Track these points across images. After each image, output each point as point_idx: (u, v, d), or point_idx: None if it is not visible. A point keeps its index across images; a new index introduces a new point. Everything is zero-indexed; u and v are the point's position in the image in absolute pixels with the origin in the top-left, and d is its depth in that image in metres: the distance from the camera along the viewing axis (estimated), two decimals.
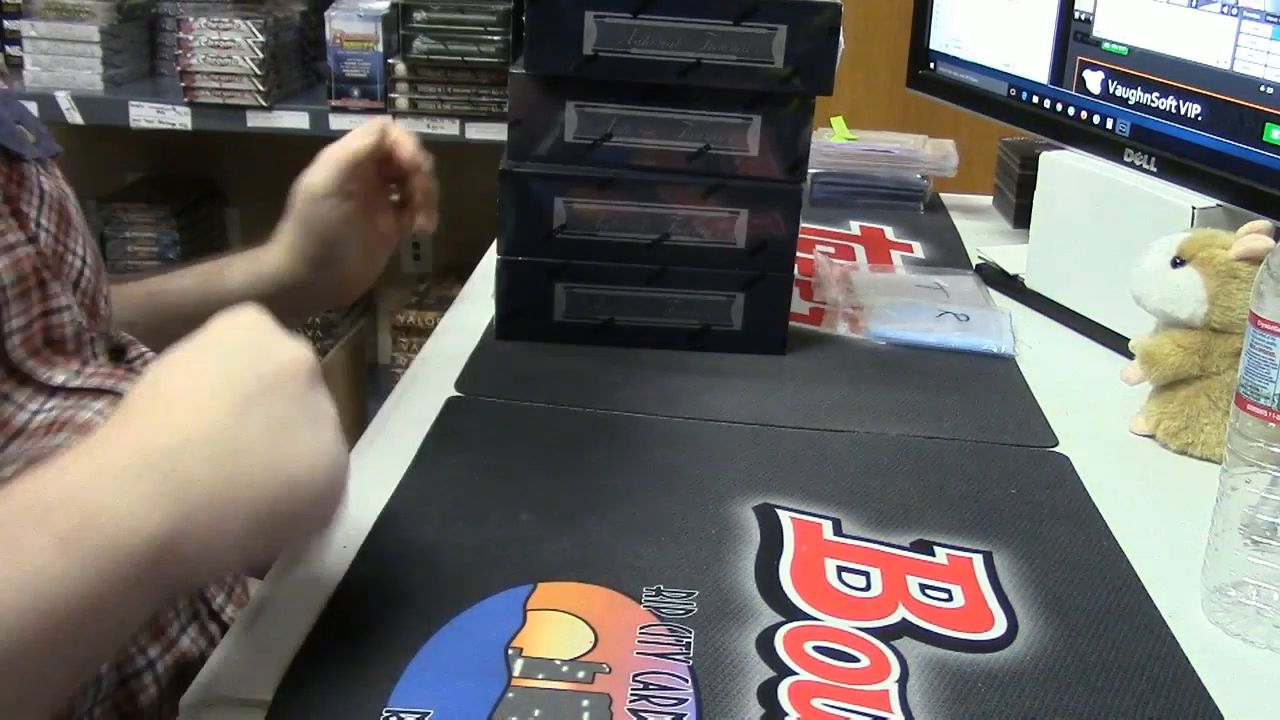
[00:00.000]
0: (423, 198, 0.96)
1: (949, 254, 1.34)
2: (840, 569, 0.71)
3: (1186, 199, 1.02)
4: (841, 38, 0.95)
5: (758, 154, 0.98)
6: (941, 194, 1.55)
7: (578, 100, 0.97)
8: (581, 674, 0.60)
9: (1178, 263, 0.89)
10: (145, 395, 0.56)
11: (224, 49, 2.17)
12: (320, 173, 0.93)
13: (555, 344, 1.01)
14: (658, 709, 0.58)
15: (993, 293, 1.21)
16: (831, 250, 1.31)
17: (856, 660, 0.63)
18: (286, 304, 0.89)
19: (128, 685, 0.70)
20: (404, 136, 0.94)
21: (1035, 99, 1.23)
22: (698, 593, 0.67)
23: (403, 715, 0.56)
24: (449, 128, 2.18)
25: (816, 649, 0.64)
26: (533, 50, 0.95)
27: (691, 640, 0.63)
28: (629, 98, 0.97)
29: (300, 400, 0.57)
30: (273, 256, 0.95)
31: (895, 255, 1.32)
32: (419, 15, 2.12)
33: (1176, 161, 1.05)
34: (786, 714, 0.58)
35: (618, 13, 0.94)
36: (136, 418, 0.54)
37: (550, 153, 0.98)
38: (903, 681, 0.61)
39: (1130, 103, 1.10)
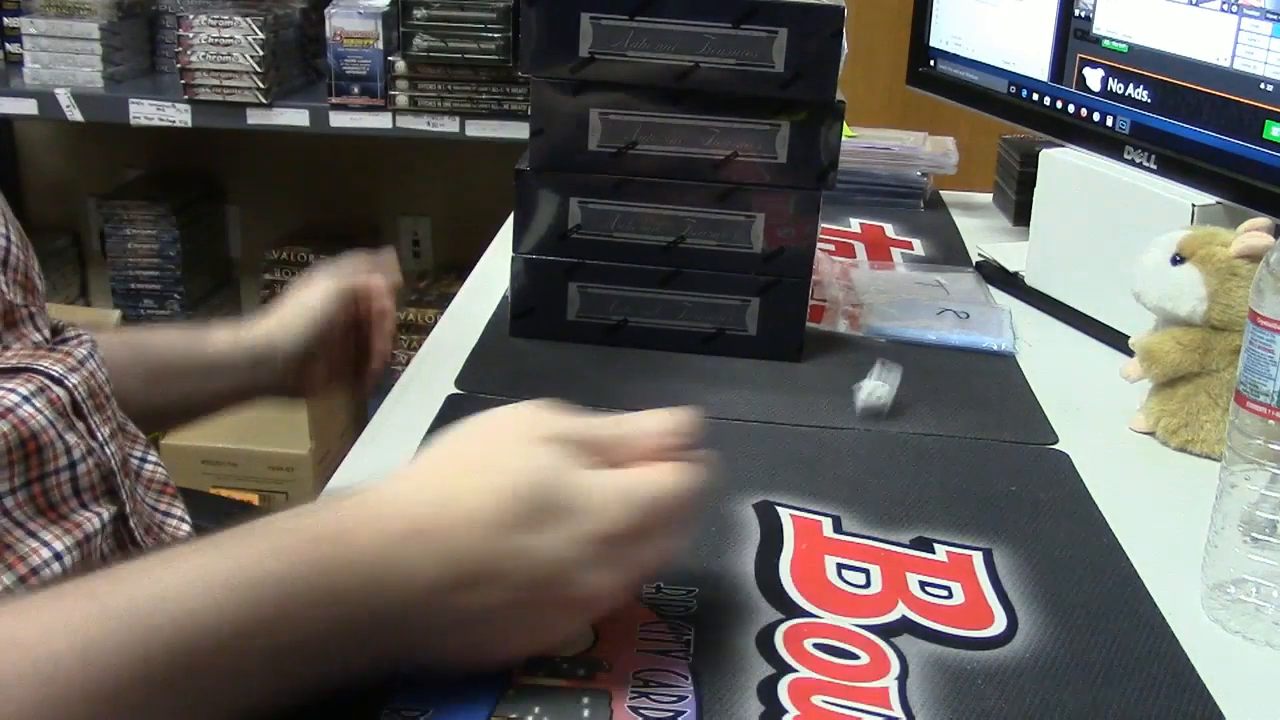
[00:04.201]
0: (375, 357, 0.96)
1: (949, 251, 1.34)
2: (840, 566, 0.71)
3: (1186, 196, 1.02)
4: (845, 42, 0.94)
5: (786, 160, 0.97)
6: (941, 191, 1.55)
7: (602, 108, 0.96)
8: (581, 671, 0.60)
9: (1178, 260, 0.89)
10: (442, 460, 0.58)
11: (224, 46, 2.17)
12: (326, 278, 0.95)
13: (564, 343, 1.01)
14: (658, 706, 0.58)
15: (993, 290, 1.21)
16: (832, 247, 1.31)
17: (856, 657, 0.63)
18: (248, 381, 0.90)
19: None
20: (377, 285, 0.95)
21: (1035, 96, 1.23)
22: (698, 590, 0.68)
23: (403, 712, 0.56)
24: (449, 125, 2.18)
25: (816, 646, 0.64)
26: (528, 50, 0.95)
27: (691, 638, 0.63)
28: (654, 104, 0.96)
29: (602, 541, 0.56)
30: (258, 327, 0.93)
31: (895, 252, 1.32)
32: (419, 12, 2.12)
33: (1176, 159, 1.05)
34: (786, 711, 0.58)
35: (614, 14, 0.93)
36: (425, 485, 0.57)
37: (574, 162, 0.97)
38: (902, 679, 0.61)
39: (1130, 100, 1.10)
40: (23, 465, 0.61)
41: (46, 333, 0.68)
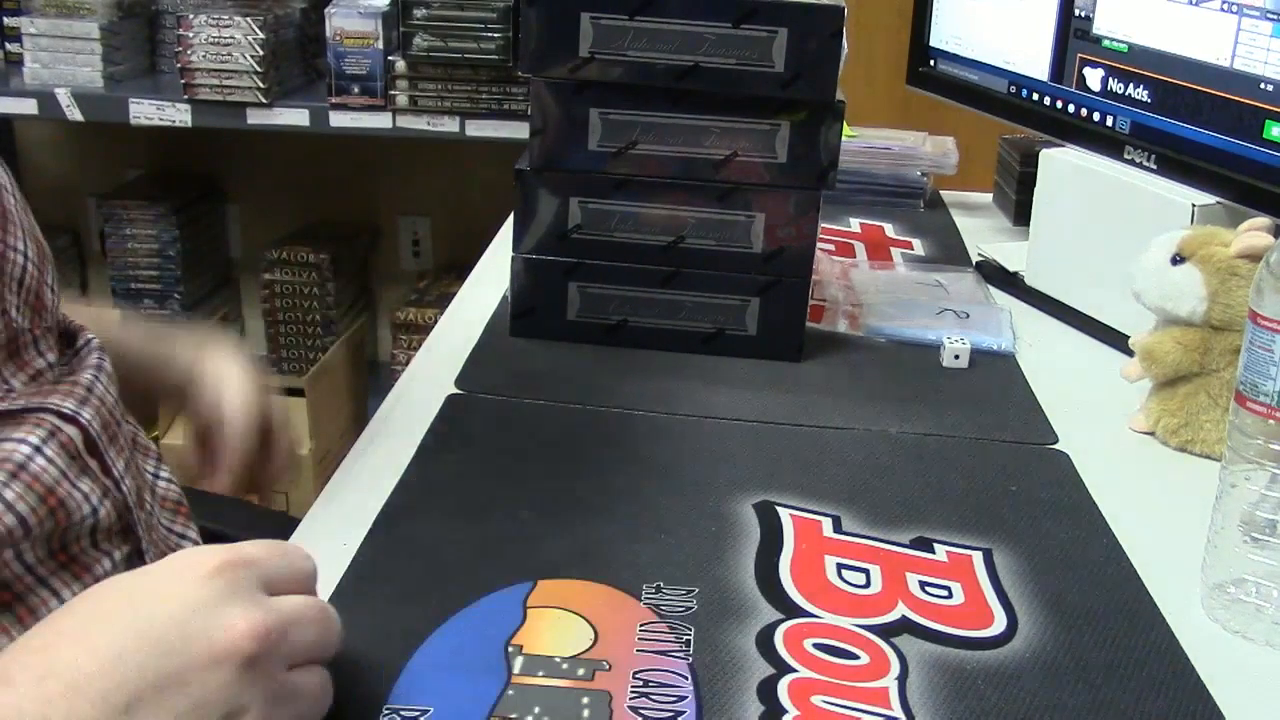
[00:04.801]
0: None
1: (949, 251, 1.34)
2: (840, 566, 0.71)
3: (1186, 196, 1.02)
4: (845, 42, 0.94)
5: (786, 160, 0.97)
6: (941, 191, 1.55)
7: (602, 108, 0.96)
8: (581, 671, 0.60)
9: (1178, 260, 0.89)
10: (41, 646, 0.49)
11: (224, 46, 2.17)
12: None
13: (564, 343, 1.01)
14: (657, 706, 0.58)
15: (993, 290, 1.21)
16: (832, 247, 1.31)
17: (856, 657, 0.63)
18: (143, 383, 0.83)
19: None
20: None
21: (1035, 96, 1.23)
22: (698, 590, 0.68)
23: (402, 712, 0.56)
24: (449, 125, 2.18)
25: (816, 646, 0.64)
26: (528, 50, 0.95)
27: (691, 637, 0.63)
28: (654, 104, 0.96)
29: (216, 695, 0.48)
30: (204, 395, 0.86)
31: (895, 252, 1.32)
32: (419, 12, 2.12)
33: (1176, 159, 1.05)
34: (786, 711, 0.58)
35: (614, 14, 0.93)
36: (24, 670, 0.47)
37: (574, 162, 0.97)
38: (902, 679, 0.61)
39: (1130, 100, 1.10)
40: (50, 522, 0.60)
41: (52, 356, 0.67)
